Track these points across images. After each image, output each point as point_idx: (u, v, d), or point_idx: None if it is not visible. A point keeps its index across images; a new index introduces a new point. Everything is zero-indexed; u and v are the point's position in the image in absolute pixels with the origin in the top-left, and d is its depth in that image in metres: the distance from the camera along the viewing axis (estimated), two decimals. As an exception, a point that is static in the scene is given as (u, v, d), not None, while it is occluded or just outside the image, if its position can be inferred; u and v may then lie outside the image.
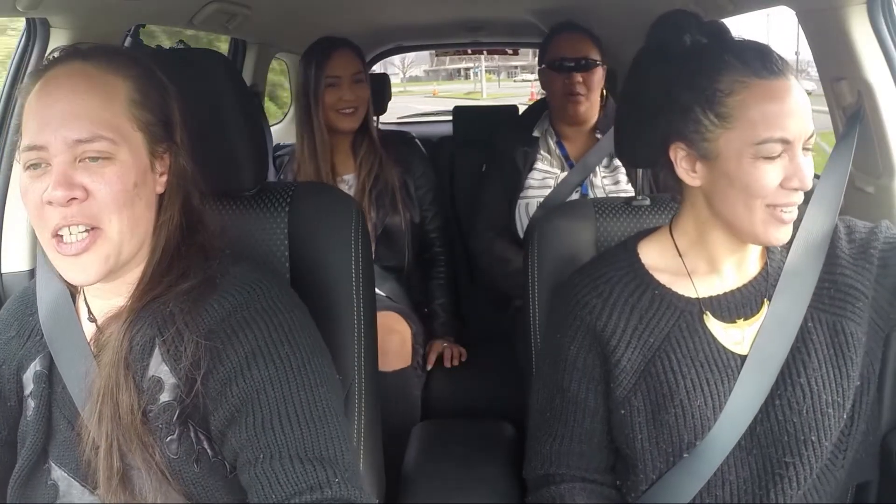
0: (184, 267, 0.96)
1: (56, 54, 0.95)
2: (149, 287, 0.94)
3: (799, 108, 0.98)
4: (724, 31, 1.08)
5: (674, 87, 1.04)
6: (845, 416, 1.04)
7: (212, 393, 0.90)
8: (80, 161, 0.88)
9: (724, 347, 1.06)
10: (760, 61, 0.99)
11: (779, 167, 0.97)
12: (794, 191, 0.98)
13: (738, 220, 1.01)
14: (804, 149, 0.99)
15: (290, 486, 0.85)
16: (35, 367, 0.99)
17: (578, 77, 1.99)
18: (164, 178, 0.97)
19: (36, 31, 1.38)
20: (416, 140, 2.26)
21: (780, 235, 1.01)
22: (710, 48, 1.04)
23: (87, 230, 0.89)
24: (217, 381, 0.89)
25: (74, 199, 0.87)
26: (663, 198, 1.32)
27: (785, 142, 0.97)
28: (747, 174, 0.98)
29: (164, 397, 0.90)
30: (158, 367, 0.91)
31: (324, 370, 0.93)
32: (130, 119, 0.92)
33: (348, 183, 2.05)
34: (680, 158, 1.04)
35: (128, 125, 0.92)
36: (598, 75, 2.03)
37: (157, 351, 0.91)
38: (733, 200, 1.00)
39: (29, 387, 1.00)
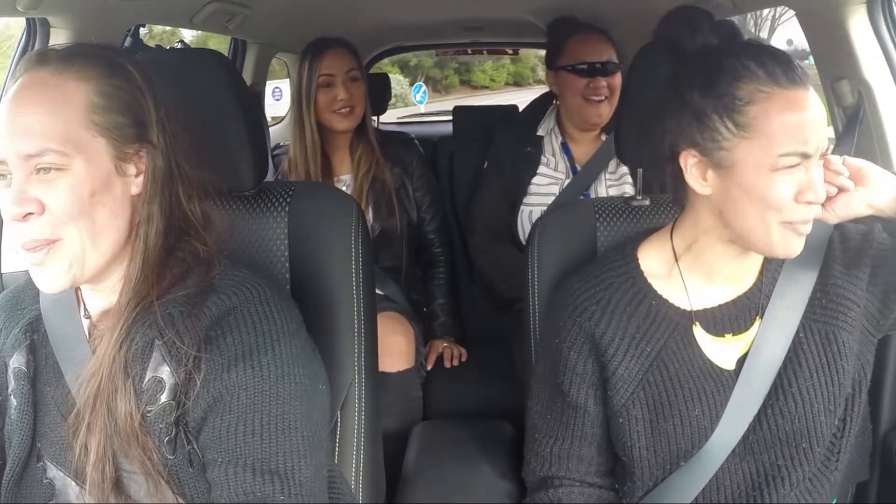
0: (180, 271, 0.94)
1: (23, 63, 0.91)
2: (141, 289, 0.92)
3: (818, 120, 0.95)
4: (737, 33, 1.05)
5: (686, 90, 0.99)
6: (837, 422, 1.05)
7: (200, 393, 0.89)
8: (35, 173, 0.86)
9: (711, 362, 1.05)
10: (782, 70, 0.95)
11: (795, 180, 0.95)
12: (809, 204, 0.96)
13: (754, 233, 0.98)
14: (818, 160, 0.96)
15: (237, 494, 0.86)
16: (14, 363, 0.98)
17: (603, 81, 1.90)
18: (141, 179, 0.93)
19: (36, 31, 1.38)
20: (416, 141, 2.25)
21: (795, 247, 0.98)
22: (727, 51, 0.99)
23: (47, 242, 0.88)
24: (203, 381, 0.89)
25: (31, 213, 0.86)
26: (663, 198, 1.32)
27: (805, 155, 0.94)
28: (764, 186, 0.95)
29: (164, 398, 0.90)
30: (159, 368, 0.91)
31: (302, 381, 0.92)
32: (89, 126, 0.88)
33: (345, 183, 2.04)
34: (690, 166, 1.00)
35: (85, 133, 0.88)
36: (619, 79, 1.93)
37: (156, 352, 0.91)
38: (748, 212, 0.97)
39: (11, 384, 0.98)
